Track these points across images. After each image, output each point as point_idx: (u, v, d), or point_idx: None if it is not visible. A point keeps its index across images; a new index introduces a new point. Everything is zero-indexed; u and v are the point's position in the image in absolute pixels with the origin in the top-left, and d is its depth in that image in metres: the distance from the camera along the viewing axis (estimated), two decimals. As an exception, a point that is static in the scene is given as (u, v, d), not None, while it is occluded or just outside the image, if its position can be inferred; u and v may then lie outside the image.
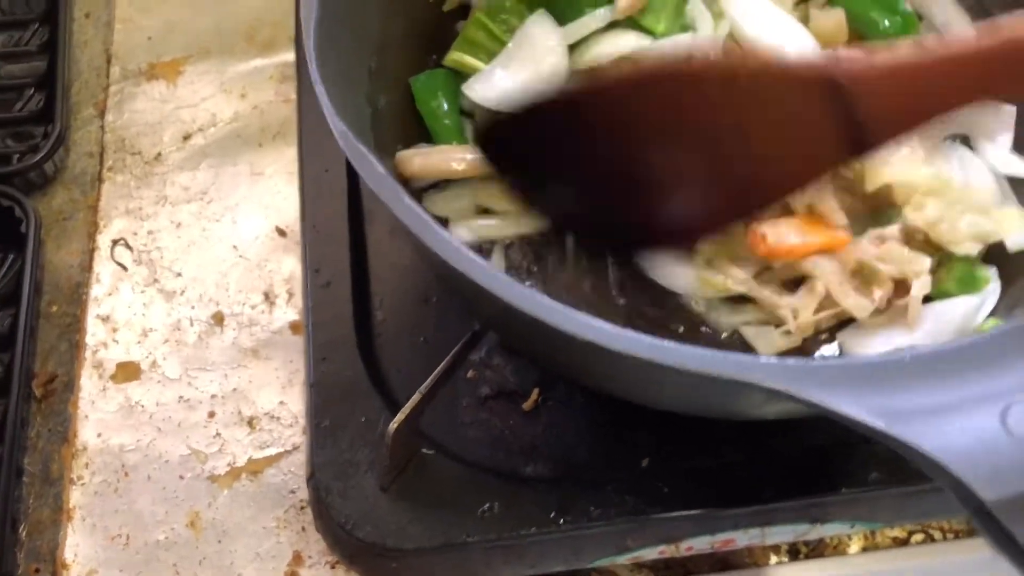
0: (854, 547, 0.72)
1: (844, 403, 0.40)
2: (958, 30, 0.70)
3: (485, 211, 0.68)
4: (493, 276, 0.43)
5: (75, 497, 0.71)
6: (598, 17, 0.66)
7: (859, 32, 0.69)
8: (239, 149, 0.86)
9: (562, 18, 0.67)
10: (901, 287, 0.61)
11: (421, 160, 0.64)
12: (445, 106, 0.67)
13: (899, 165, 0.62)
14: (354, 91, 0.56)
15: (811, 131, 0.51)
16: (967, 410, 0.40)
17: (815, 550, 0.72)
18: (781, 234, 0.61)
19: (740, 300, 0.64)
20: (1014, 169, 0.67)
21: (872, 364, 0.41)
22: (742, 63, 0.53)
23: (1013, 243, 0.63)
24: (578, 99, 0.55)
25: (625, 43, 0.67)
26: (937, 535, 0.72)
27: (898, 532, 0.72)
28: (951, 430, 0.39)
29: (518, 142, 0.56)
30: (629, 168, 0.55)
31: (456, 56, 0.68)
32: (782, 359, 0.41)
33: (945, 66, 0.46)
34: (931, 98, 0.48)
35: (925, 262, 0.61)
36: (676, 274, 0.64)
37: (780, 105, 0.50)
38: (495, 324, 0.57)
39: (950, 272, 0.63)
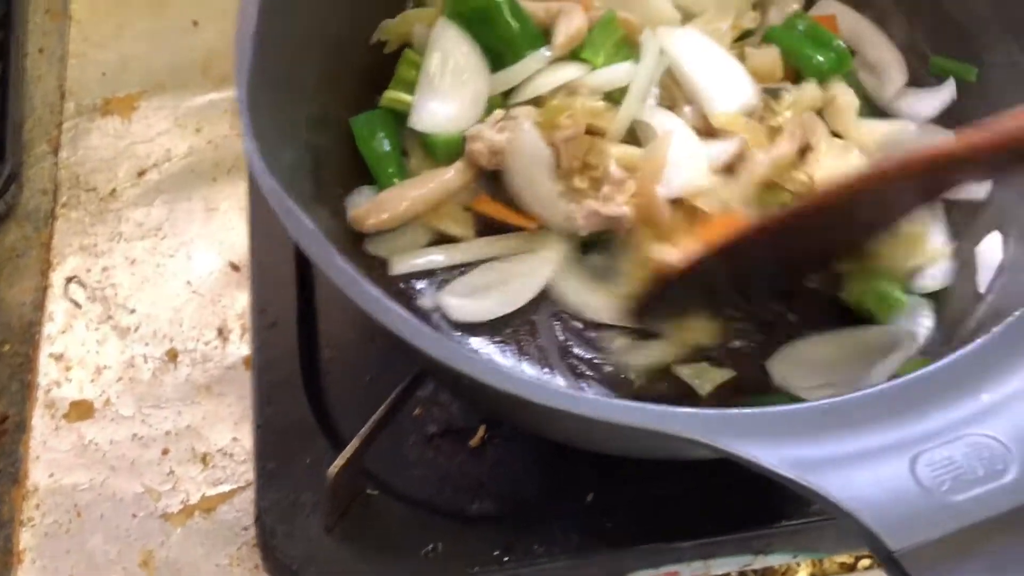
0: (802, 574, 0.73)
1: (758, 452, 0.41)
2: (892, 66, 0.72)
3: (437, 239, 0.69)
4: (417, 331, 0.44)
5: (25, 539, 0.71)
6: (538, 59, 0.67)
7: (795, 68, 0.70)
8: (193, 184, 0.86)
9: (500, 60, 0.68)
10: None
11: (374, 219, 0.65)
12: (386, 145, 0.67)
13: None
14: (292, 141, 0.57)
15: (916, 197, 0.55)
16: (878, 459, 0.41)
17: (763, 578, 0.73)
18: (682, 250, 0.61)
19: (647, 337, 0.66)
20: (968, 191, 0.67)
21: (786, 413, 0.42)
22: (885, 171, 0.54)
23: (931, 278, 0.65)
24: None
25: (564, 75, 0.68)
26: (884, 560, 0.73)
27: (845, 557, 0.73)
28: (861, 479, 0.40)
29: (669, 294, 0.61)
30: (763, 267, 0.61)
31: (392, 95, 0.69)
32: (700, 410, 0.42)
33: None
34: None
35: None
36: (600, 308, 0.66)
37: (905, 189, 0.53)
38: (432, 374, 0.58)
39: (871, 288, 0.64)
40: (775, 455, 0.41)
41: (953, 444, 0.41)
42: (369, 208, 0.65)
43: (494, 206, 0.68)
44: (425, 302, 0.66)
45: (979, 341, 0.45)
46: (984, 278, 0.63)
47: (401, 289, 0.67)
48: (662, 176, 0.63)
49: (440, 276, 0.67)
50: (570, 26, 0.67)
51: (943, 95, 0.70)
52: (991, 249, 0.63)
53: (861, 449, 0.41)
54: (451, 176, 0.66)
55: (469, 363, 0.43)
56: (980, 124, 0.48)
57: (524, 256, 0.67)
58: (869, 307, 0.64)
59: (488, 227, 0.69)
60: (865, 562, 0.74)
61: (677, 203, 0.64)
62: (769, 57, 0.69)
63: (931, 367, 0.44)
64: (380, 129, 0.67)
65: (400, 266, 0.66)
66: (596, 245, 0.67)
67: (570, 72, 0.68)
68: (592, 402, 0.41)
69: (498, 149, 0.65)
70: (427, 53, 0.68)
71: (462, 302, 0.65)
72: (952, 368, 0.44)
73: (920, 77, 0.72)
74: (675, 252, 0.60)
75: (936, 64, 0.71)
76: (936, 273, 0.65)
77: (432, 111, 0.67)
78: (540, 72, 0.68)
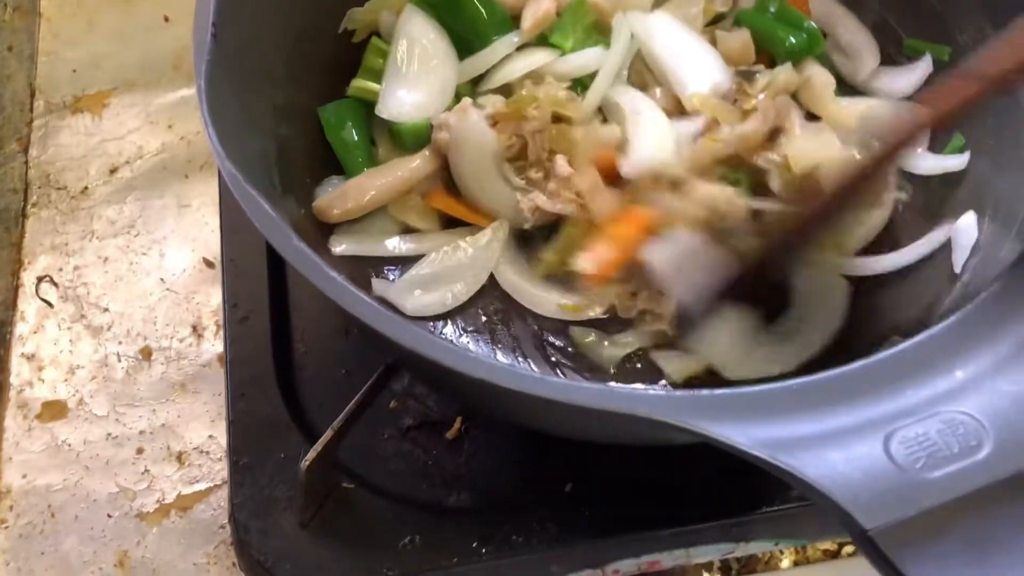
0: (786, 562, 0.73)
1: (730, 432, 0.40)
2: (865, 48, 0.71)
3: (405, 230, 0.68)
4: (386, 319, 0.43)
5: (-1, 541, 0.70)
6: (506, 43, 0.67)
7: (766, 50, 0.69)
8: (166, 181, 0.85)
9: (468, 47, 0.67)
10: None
11: (339, 209, 0.64)
12: (355, 135, 0.67)
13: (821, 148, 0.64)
14: (257, 128, 0.56)
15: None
16: (851, 437, 0.40)
17: (747, 566, 0.72)
18: (599, 256, 0.61)
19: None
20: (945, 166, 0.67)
21: (758, 393, 0.41)
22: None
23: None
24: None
25: (533, 61, 0.67)
26: (868, 546, 0.73)
27: (829, 545, 0.73)
28: (835, 458, 0.40)
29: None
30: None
31: (359, 84, 0.68)
32: (670, 391, 0.41)
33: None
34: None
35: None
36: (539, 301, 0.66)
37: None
38: (402, 363, 0.57)
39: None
40: (746, 435, 0.40)
41: (927, 421, 0.40)
42: (334, 197, 0.64)
43: (448, 201, 0.67)
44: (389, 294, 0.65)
45: (952, 318, 0.45)
46: (959, 258, 0.62)
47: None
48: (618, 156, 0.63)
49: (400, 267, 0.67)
50: (538, 10, 0.66)
51: (918, 72, 0.70)
52: (967, 228, 0.62)
53: (834, 428, 0.41)
54: (417, 165, 0.65)
55: (438, 350, 0.42)
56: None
57: (469, 247, 0.66)
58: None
59: (452, 219, 0.68)
60: (849, 548, 0.73)
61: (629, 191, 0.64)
62: (740, 40, 0.68)
63: (904, 344, 0.44)
64: (348, 118, 0.66)
65: (339, 248, 0.65)
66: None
67: (539, 58, 0.67)
68: (560, 386, 0.41)
69: None
70: (394, 40, 0.67)
71: (410, 295, 0.64)
72: (926, 345, 0.43)
73: (893, 58, 0.72)
74: (592, 259, 0.60)
75: (910, 46, 0.71)
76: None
77: (399, 99, 0.66)
78: (508, 58, 0.68)
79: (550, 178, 0.64)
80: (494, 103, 0.65)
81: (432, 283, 0.65)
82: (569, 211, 0.63)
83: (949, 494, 0.38)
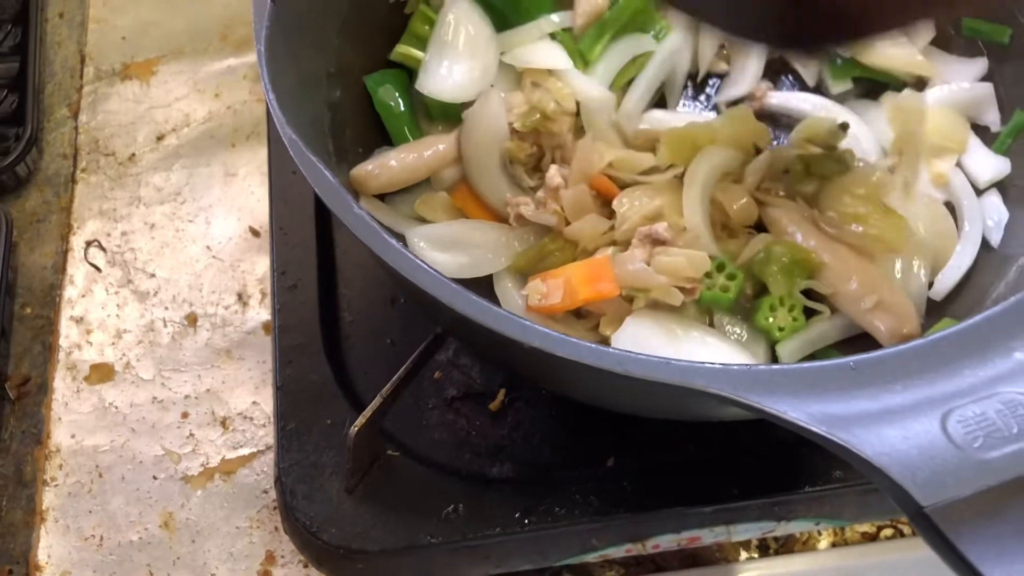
0: (824, 543, 0.73)
1: (786, 408, 0.40)
2: (922, 27, 0.70)
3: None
4: (442, 284, 0.43)
5: (48, 499, 0.71)
6: (549, 23, 0.66)
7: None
8: (213, 149, 0.86)
9: (508, 20, 0.66)
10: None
11: (376, 181, 0.63)
12: (400, 104, 0.67)
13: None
14: (311, 96, 0.56)
15: None
16: (908, 415, 0.40)
17: (784, 546, 0.72)
18: (547, 292, 0.58)
19: None
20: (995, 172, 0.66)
21: (815, 369, 0.41)
22: None
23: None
24: None
25: (551, 59, 0.66)
26: (907, 530, 0.73)
27: (867, 527, 0.73)
28: (892, 435, 0.39)
29: None
30: None
31: (403, 50, 0.68)
32: (726, 365, 0.41)
33: None
34: None
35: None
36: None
37: None
38: (452, 331, 0.58)
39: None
40: (803, 411, 0.40)
41: (986, 401, 0.40)
42: (369, 170, 0.63)
43: (472, 202, 0.66)
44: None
45: (1011, 300, 0.44)
46: (995, 236, 0.63)
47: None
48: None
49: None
50: (594, 2, 0.65)
51: (975, 68, 0.68)
52: (995, 207, 0.62)
53: (891, 406, 0.40)
54: (442, 149, 0.65)
55: (493, 317, 0.42)
56: None
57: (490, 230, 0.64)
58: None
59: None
60: (887, 532, 0.73)
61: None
62: None
63: (962, 325, 0.43)
64: (395, 87, 0.66)
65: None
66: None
67: (556, 59, 0.66)
68: (618, 356, 0.41)
69: None
70: (439, 20, 0.67)
71: (430, 247, 0.63)
72: (983, 326, 0.43)
73: (949, 39, 0.70)
74: (539, 291, 0.58)
75: (969, 27, 0.69)
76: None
77: (441, 78, 0.65)
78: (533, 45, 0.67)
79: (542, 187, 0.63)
80: (519, 106, 0.64)
81: (449, 245, 0.63)
82: (550, 223, 0.62)
83: (1007, 474, 0.38)
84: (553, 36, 0.67)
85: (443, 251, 0.62)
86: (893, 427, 0.40)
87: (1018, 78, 0.67)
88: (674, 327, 0.57)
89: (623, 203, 0.61)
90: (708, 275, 0.59)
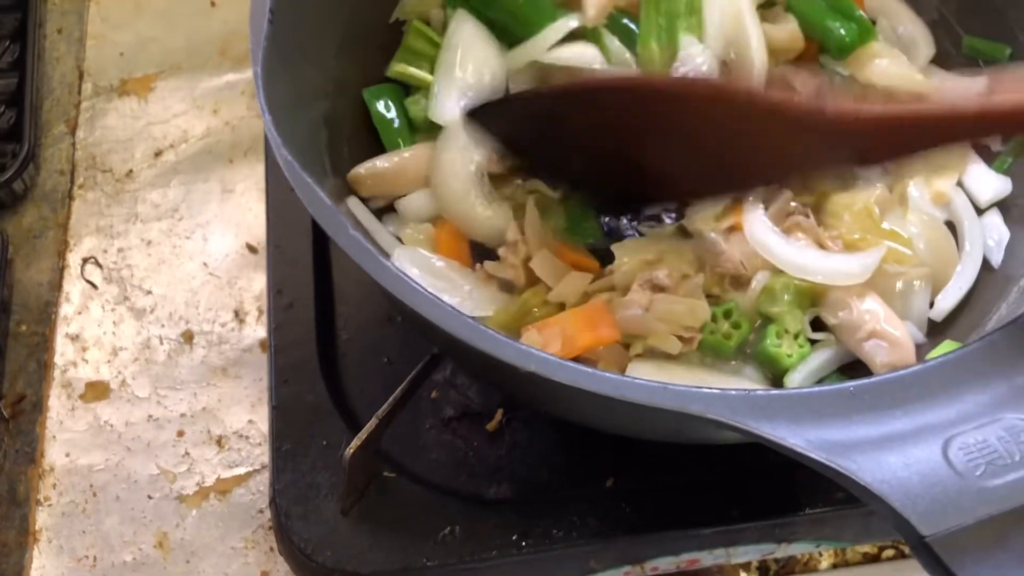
0: (825, 563, 0.72)
1: (785, 434, 0.40)
2: (920, 38, 0.70)
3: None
4: (438, 307, 0.43)
5: (42, 518, 0.71)
6: (558, 30, 0.65)
7: (815, 39, 0.68)
8: (210, 166, 0.85)
9: (512, 33, 0.66)
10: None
11: (372, 180, 0.63)
12: (396, 120, 0.66)
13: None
14: (309, 113, 0.56)
15: (796, 147, 0.52)
16: (909, 442, 0.40)
17: (785, 567, 0.72)
18: (546, 343, 0.56)
19: None
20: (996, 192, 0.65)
21: (813, 395, 0.41)
22: (735, 91, 0.54)
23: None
24: (564, 96, 0.57)
25: (585, 54, 0.65)
26: (908, 550, 0.72)
27: (868, 548, 0.72)
28: (892, 462, 0.39)
29: (510, 120, 0.60)
30: (614, 148, 0.57)
31: (399, 68, 0.67)
32: (724, 390, 0.41)
33: (935, 120, 0.47)
34: (919, 140, 0.48)
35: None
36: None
37: (769, 126, 0.51)
38: (449, 353, 0.57)
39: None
40: (802, 437, 0.39)
41: (987, 428, 0.40)
42: (367, 174, 0.63)
43: (452, 241, 0.65)
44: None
45: (1011, 324, 0.44)
46: (996, 257, 0.63)
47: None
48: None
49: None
50: None
51: (980, 83, 0.68)
52: (995, 227, 0.62)
53: (891, 432, 0.40)
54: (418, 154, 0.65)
55: (489, 341, 0.42)
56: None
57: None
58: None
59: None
60: (889, 552, 0.73)
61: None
62: (788, 31, 0.66)
63: (963, 350, 0.43)
64: (392, 101, 0.66)
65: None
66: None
67: (584, 52, 0.66)
68: (616, 381, 0.40)
69: None
70: (445, 43, 0.66)
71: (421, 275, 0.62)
72: (985, 351, 0.43)
73: (949, 58, 0.70)
74: (538, 343, 0.56)
75: (969, 45, 0.69)
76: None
77: (451, 108, 0.65)
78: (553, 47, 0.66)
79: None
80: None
81: (439, 277, 0.62)
82: (509, 277, 0.62)
83: (1010, 502, 0.38)
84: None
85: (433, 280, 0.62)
86: (894, 454, 0.39)
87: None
88: (676, 369, 0.57)
89: (624, 247, 0.61)
90: (713, 319, 0.59)
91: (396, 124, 0.66)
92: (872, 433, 0.40)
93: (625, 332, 0.58)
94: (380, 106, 0.66)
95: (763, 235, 0.59)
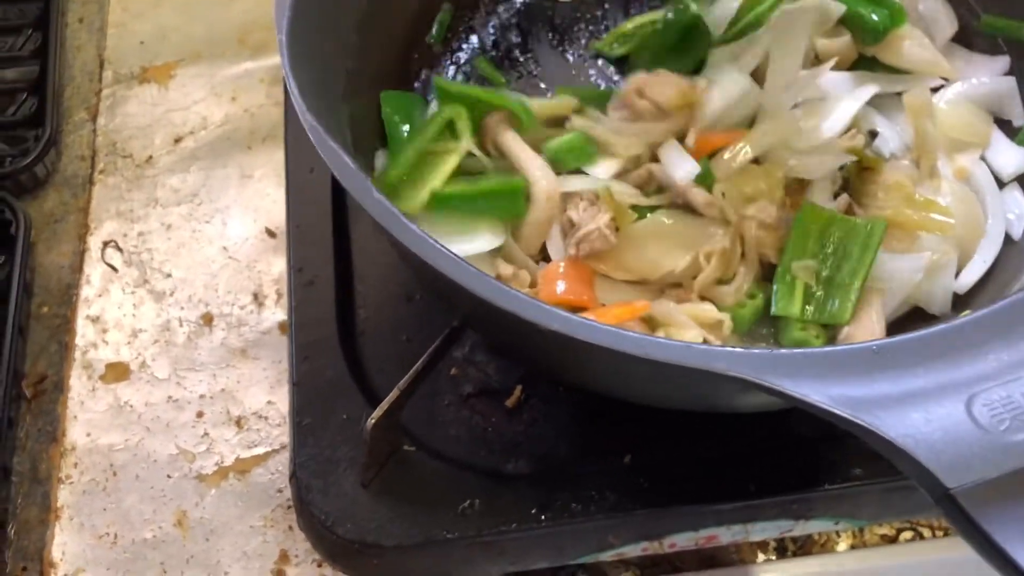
0: (842, 545, 0.72)
1: (809, 391, 0.40)
2: (942, 15, 0.70)
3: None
4: (463, 269, 0.43)
5: (63, 496, 0.71)
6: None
7: (849, 28, 0.68)
8: (229, 152, 0.86)
9: None
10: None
11: None
12: (405, 129, 0.66)
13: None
14: (330, 88, 0.56)
15: None
16: (933, 399, 0.40)
17: (803, 547, 0.72)
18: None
19: None
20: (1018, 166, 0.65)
21: (838, 353, 0.41)
22: None
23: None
24: None
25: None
26: (926, 532, 0.72)
27: (886, 530, 0.72)
28: (916, 418, 0.39)
29: None
30: None
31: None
32: (748, 348, 0.41)
33: None
34: None
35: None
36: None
37: None
38: (470, 317, 0.57)
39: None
40: (825, 394, 0.40)
41: (1011, 384, 0.40)
42: None
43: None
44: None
45: (1035, 285, 0.44)
46: (1017, 231, 0.63)
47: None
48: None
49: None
50: None
51: (997, 65, 0.68)
52: (1016, 199, 0.62)
53: (915, 389, 0.40)
54: None
55: (512, 301, 0.42)
56: None
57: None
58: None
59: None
60: (907, 535, 0.72)
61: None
62: (841, 42, 0.67)
63: (985, 310, 0.43)
64: (407, 110, 0.66)
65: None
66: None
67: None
68: (638, 339, 0.41)
69: None
70: None
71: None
72: (1007, 310, 0.43)
73: (971, 37, 0.70)
74: None
75: (987, 23, 0.69)
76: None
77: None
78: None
79: None
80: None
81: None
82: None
83: (1034, 457, 0.38)
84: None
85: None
86: (917, 410, 0.39)
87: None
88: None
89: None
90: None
91: (403, 136, 0.65)
92: (895, 390, 0.40)
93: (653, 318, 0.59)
94: (391, 111, 0.66)
95: None
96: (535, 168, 0.62)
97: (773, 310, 0.59)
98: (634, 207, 0.62)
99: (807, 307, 0.58)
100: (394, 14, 0.70)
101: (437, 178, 0.61)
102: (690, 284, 0.60)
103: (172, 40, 0.92)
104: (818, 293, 0.59)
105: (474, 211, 0.61)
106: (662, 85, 0.65)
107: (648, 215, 0.62)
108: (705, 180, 0.61)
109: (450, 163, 0.62)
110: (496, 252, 0.62)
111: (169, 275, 0.80)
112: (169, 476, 0.72)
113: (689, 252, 0.61)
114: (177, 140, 0.87)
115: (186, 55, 0.91)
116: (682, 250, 0.61)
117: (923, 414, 0.39)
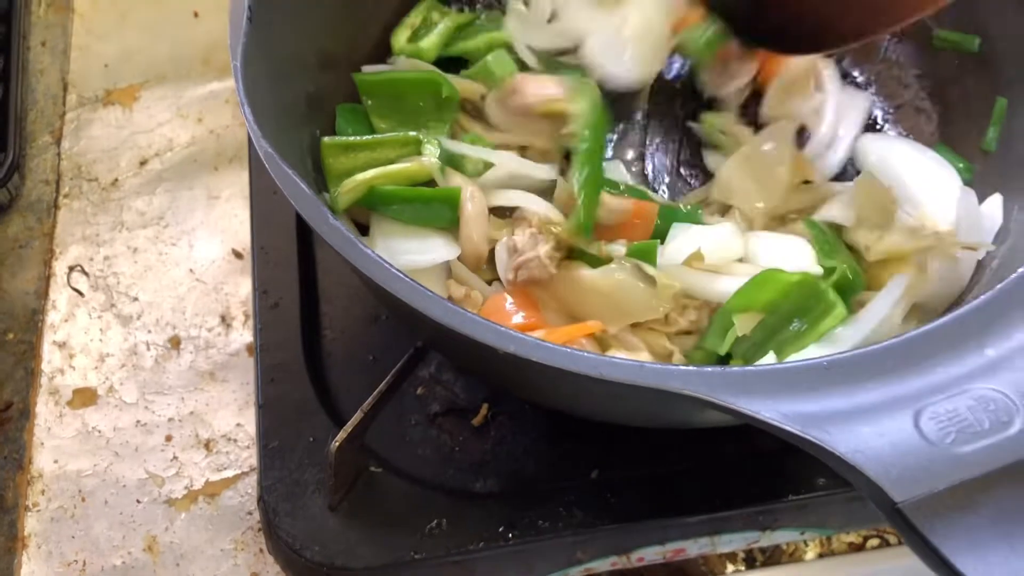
0: (810, 553, 0.73)
1: (759, 407, 0.40)
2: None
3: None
4: (419, 293, 0.44)
5: (30, 524, 0.71)
6: None
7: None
8: (196, 173, 0.86)
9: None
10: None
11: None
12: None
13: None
14: (289, 114, 0.56)
15: None
16: (881, 413, 0.40)
17: (771, 557, 0.72)
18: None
19: None
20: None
21: (788, 370, 0.42)
22: None
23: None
24: None
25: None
26: (892, 539, 0.73)
27: (853, 538, 0.73)
28: (866, 433, 0.40)
29: None
30: None
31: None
32: (700, 367, 0.41)
33: None
34: None
35: None
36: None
37: None
38: (431, 339, 0.58)
39: None
40: (776, 410, 0.40)
41: (958, 398, 0.41)
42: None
43: None
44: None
45: (982, 297, 0.45)
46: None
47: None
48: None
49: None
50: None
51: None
52: (991, 213, 0.62)
53: (864, 404, 0.41)
54: None
55: (470, 325, 0.43)
56: None
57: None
58: None
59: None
60: (873, 542, 0.73)
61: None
62: None
63: (934, 323, 0.44)
64: (360, 123, 0.66)
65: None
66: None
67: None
68: (593, 360, 0.41)
69: None
70: None
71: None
72: (955, 324, 0.44)
73: (923, 47, 0.72)
74: None
75: (940, 38, 0.70)
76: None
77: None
78: None
79: None
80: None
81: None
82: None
83: (980, 469, 0.38)
84: None
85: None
86: (867, 425, 0.40)
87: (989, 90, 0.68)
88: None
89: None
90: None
91: None
92: (845, 405, 0.41)
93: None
94: (347, 123, 0.65)
95: None
96: (459, 178, 0.62)
97: (701, 343, 0.59)
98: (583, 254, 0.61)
99: (737, 347, 0.57)
100: (356, 39, 0.70)
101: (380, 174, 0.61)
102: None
103: (136, 62, 0.91)
104: (754, 339, 0.57)
105: (415, 218, 0.61)
106: (537, 87, 0.65)
107: (601, 268, 0.59)
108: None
109: (401, 166, 0.62)
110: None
111: (136, 299, 0.80)
112: (138, 501, 0.72)
113: (626, 320, 0.58)
114: (143, 162, 0.87)
115: (151, 76, 0.91)
116: (620, 316, 0.58)
117: (873, 428, 0.40)
